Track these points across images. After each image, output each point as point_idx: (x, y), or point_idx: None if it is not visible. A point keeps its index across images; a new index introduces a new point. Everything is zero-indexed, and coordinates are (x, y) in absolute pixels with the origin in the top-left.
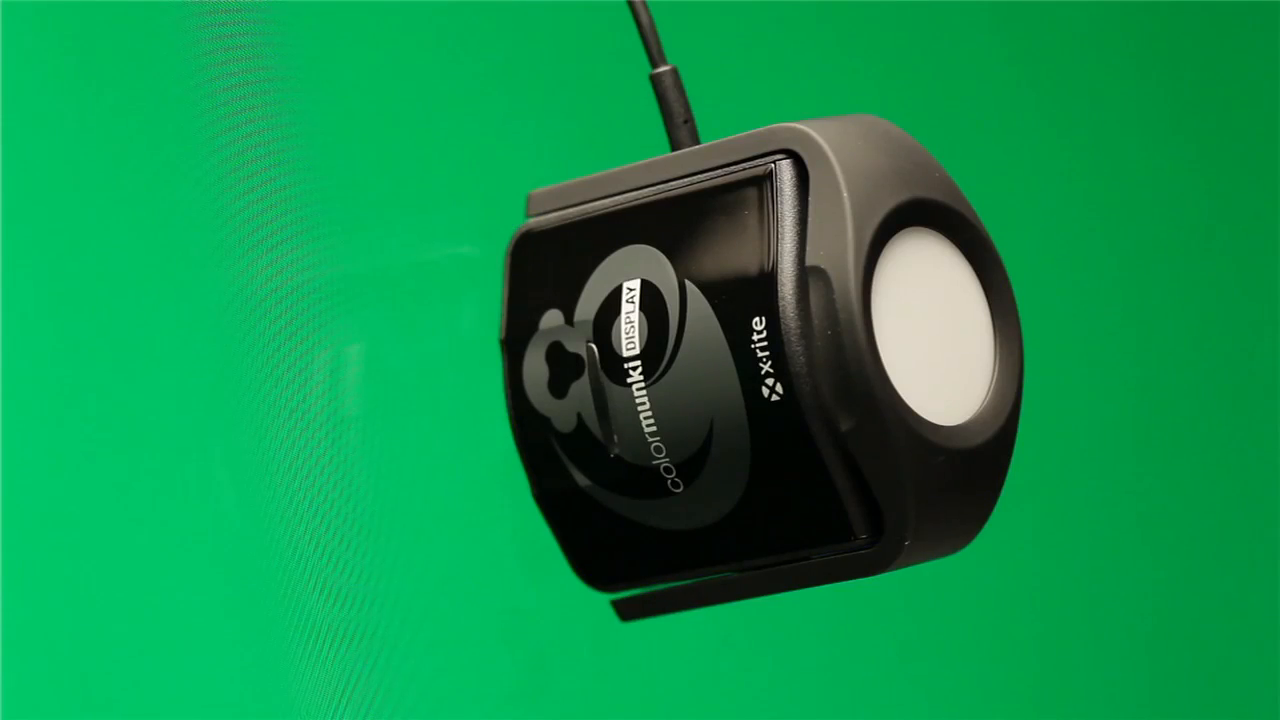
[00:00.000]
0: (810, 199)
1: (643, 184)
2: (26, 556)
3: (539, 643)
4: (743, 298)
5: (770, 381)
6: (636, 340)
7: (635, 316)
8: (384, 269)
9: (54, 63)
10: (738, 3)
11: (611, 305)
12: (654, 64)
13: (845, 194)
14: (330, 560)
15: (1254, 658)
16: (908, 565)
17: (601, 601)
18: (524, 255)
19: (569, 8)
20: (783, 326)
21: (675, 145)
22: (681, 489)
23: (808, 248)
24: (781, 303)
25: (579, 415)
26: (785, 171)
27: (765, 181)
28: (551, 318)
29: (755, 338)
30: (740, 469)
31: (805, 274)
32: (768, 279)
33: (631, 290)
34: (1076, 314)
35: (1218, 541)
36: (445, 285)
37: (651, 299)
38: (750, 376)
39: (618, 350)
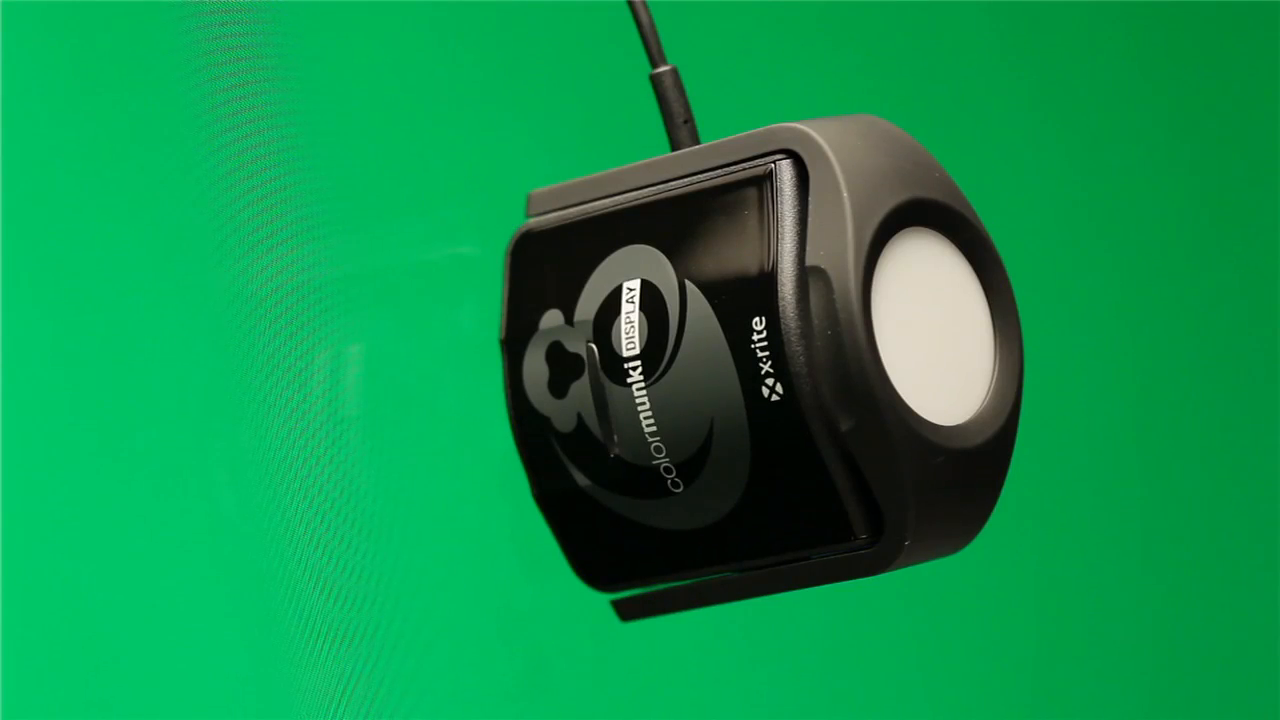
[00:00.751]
0: (810, 199)
1: (643, 184)
2: (26, 556)
3: (539, 643)
4: (743, 298)
5: (770, 381)
6: (636, 340)
7: (635, 316)
8: (384, 269)
9: (54, 63)
10: (738, 3)
11: (611, 305)
12: (654, 64)
13: (845, 194)
14: (330, 559)
15: (1254, 658)
16: (908, 565)
17: (601, 601)
18: (524, 255)
19: (569, 8)
20: (783, 326)
21: (675, 145)
22: (681, 489)
23: (808, 248)
24: (781, 303)
25: (579, 415)
26: (785, 171)
27: (765, 181)
28: (551, 318)
29: (755, 338)
30: (740, 469)
31: (805, 274)
32: (768, 279)
33: (631, 290)
34: (1076, 314)
35: (1218, 541)
36: (445, 285)
37: (651, 299)
38: (750, 376)
39: (618, 350)
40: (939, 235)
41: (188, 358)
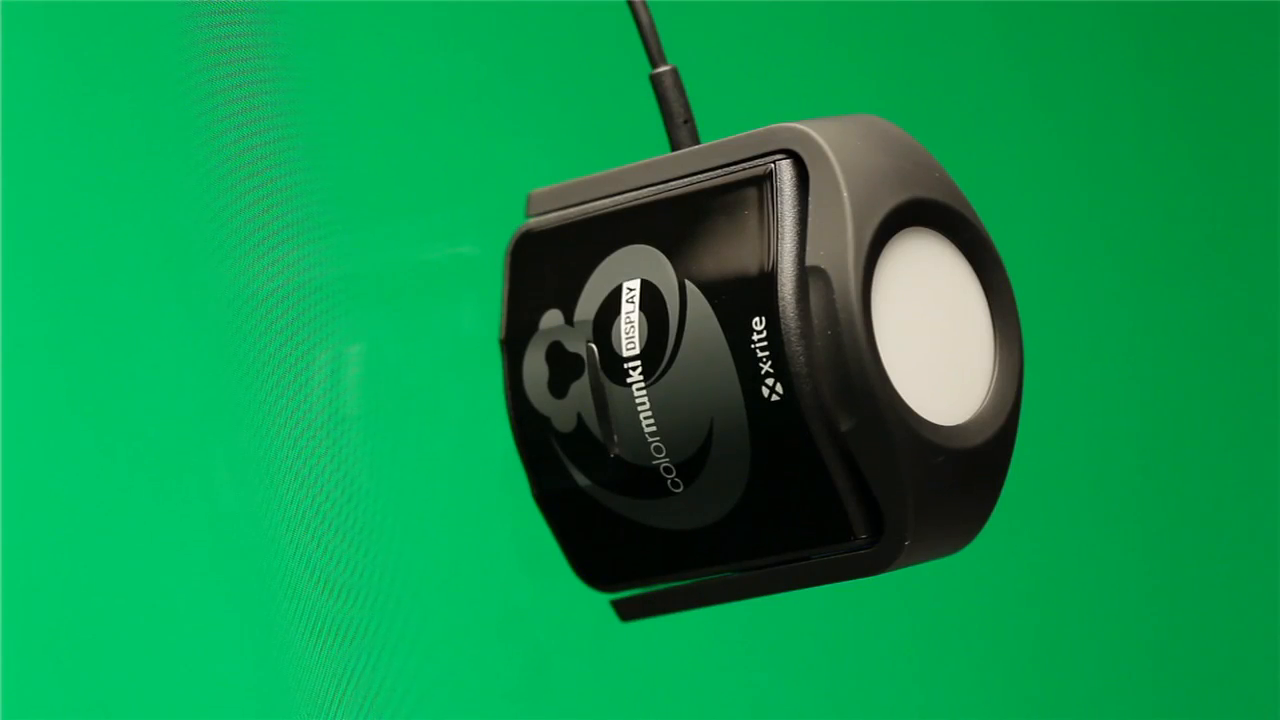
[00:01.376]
0: (810, 199)
1: (643, 184)
2: (27, 556)
3: (539, 643)
4: (743, 298)
5: (770, 381)
6: (636, 340)
7: (635, 316)
8: (384, 269)
9: (54, 63)
10: (738, 3)
11: (611, 305)
12: (654, 64)
13: (845, 194)
14: (331, 558)
15: (1254, 658)
16: (908, 565)
17: (601, 601)
18: (524, 255)
19: (569, 8)
20: (783, 326)
21: (675, 145)
22: (681, 489)
23: (808, 248)
24: (781, 303)
25: (579, 415)
26: (785, 171)
27: (765, 181)
28: (551, 318)
29: (755, 338)
30: (740, 469)
31: (805, 274)
32: (768, 279)
33: (631, 290)
34: (1076, 314)
35: (1218, 541)
36: (445, 285)
37: (651, 299)
38: (750, 376)
39: (618, 350)
40: (939, 235)
41: (188, 357)
